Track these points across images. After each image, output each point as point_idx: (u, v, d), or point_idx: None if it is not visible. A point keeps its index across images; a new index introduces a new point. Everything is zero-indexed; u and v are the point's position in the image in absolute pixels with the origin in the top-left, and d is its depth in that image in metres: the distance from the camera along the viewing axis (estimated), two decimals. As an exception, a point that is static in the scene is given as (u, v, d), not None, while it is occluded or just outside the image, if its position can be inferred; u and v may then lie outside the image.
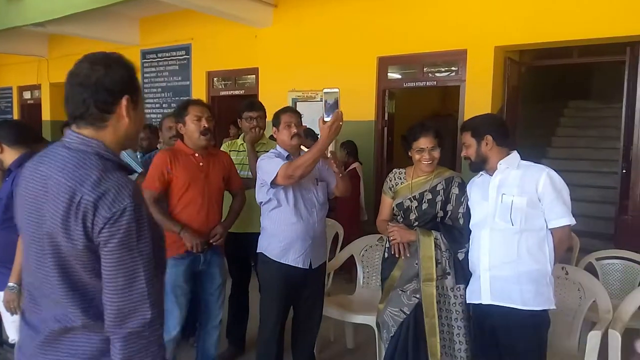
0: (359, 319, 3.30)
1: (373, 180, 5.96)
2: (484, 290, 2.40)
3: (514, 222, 2.32)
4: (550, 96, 8.46)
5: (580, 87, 9.05)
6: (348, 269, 4.44)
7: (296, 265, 2.80)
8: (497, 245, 2.38)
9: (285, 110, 2.89)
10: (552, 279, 2.37)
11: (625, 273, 3.56)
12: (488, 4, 5.09)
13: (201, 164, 2.85)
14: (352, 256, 3.66)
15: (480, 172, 2.52)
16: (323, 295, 3.05)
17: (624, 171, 5.01)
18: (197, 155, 2.86)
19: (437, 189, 2.60)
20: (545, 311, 2.36)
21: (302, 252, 2.80)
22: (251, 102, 3.51)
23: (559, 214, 2.32)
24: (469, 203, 2.57)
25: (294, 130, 2.78)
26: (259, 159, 2.87)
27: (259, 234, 3.21)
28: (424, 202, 2.61)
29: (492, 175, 2.44)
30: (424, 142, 2.58)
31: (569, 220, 2.33)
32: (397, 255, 2.65)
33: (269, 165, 2.69)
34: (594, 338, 2.54)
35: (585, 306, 2.84)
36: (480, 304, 2.43)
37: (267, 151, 3.32)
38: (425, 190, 2.62)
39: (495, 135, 2.39)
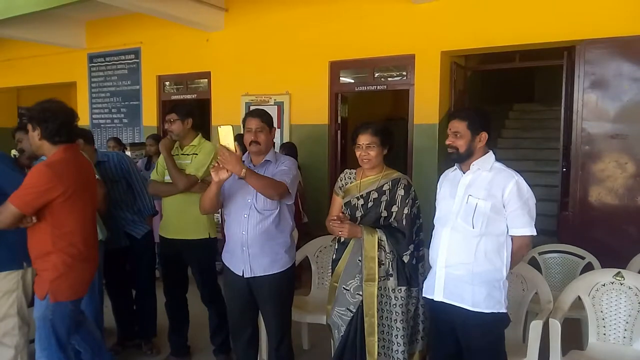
0: (314, 318, 3.35)
1: (327, 183, 6.00)
2: (438, 286, 2.41)
3: (475, 225, 2.31)
4: (496, 99, 8.78)
5: (525, 91, 9.46)
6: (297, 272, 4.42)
7: (234, 271, 2.79)
8: (456, 245, 2.37)
9: (247, 114, 2.85)
10: (505, 284, 2.38)
11: (566, 266, 3.75)
12: (434, 11, 5.26)
13: None
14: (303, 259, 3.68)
15: (455, 167, 2.50)
16: (278, 305, 2.82)
17: (564, 170, 5.25)
18: None
19: (384, 189, 2.64)
20: (497, 313, 2.34)
21: (236, 258, 2.77)
22: (174, 104, 3.42)
23: (522, 224, 2.34)
24: (437, 195, 2.57)
25: (252, 137, 2.72)
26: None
27: (194, 240, 3.24)
28: (370, 201, 2.65)
29: (464, 173, 2.42)
30: (362, 139, 2.62)
31: (531, 231, 2.36)
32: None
33: None
34: (535, 327, 2.66)
35: (528, 298, 2.98)
36: (433, 300, 2.45)
37: (196, 154, 3.24)
38: (372, 190, 2.66)
39: (489, 134, 2.37)
